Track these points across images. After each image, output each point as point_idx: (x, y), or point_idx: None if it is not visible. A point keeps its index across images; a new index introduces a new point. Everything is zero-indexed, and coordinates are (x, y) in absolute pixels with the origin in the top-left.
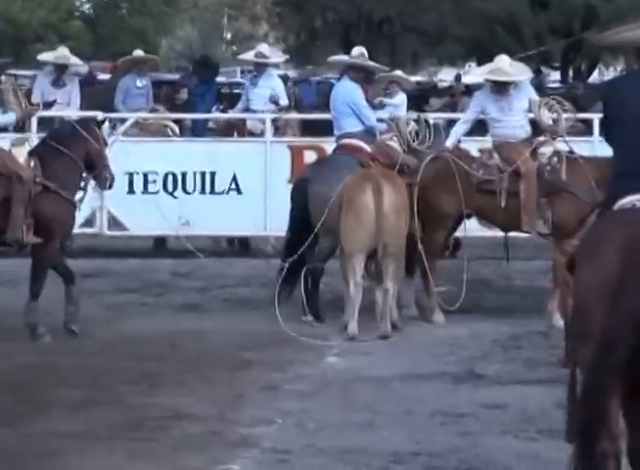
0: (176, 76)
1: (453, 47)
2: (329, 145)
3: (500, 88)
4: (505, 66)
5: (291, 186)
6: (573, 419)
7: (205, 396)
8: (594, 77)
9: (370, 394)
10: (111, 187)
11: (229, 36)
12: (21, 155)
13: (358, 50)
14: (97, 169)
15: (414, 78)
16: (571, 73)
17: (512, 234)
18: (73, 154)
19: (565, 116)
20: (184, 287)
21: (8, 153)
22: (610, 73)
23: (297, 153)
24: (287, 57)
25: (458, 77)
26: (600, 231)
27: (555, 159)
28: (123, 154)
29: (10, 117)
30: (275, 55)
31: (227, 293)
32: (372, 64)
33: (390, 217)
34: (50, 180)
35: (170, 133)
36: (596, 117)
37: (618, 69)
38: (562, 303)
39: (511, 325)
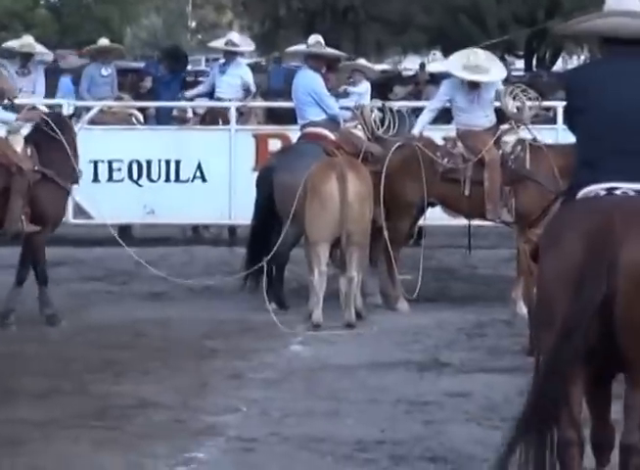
0: (141, 65)
1: (417, 36)
2: (293, 133)
3: (474, 85)
4: (480, 61)
5: (256, 174)
6: (531, 406)
7: (170, 384)
8: (558, 66)
9: (334, 382)
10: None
11: (194, 25)
12: (17, 142)
13: (314, 38)
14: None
15: (379, 67)
16: (534, 62)
17: (476, 223)
18: (67, 142)
19: (529, 104)
20: (149, 275)
21: (6, 142)
22: (573, 62)
23: (261, 141)
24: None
25: (422, 66)
26: (563, 220)
27: (519, 147)
28: (88, 142)
29: (8, 117)
30: (245, 43)
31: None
32: (329, 51)
33: (355, 206)
34: (46, 167)
35: (135, 121)
36: (560, 106)
37: (582, 57)
38: (526, 291)
39: (475, 313)
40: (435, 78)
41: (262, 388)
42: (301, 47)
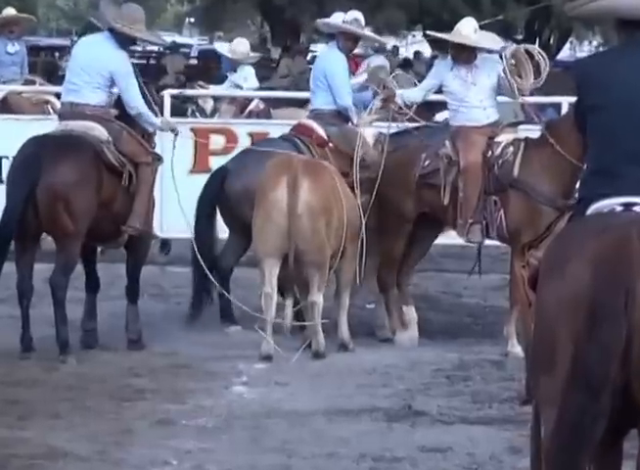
0: (57, 41)
1: (395, 14)
2: (239, 128)
3: (458, 54)
4: (467, 31)
5: (193, 178)
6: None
7: (86, 430)
8: (565, 53)
9: (285, 431)
10: None
11: None
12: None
13: (353, 15)
14: None
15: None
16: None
17: (461, 242)
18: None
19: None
20: None
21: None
22: (584, 49)
23: (201, 137)
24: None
25: (395, 50)
26: (570, 240)
27: (510, 148)
28: None
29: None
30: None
31: (113, 305)
32: (367, 34)
33: (305, 219)
34: None
35: (51, 111)
36: (566, 101)
37: (594, 43)
38: (523, 326)
39: (458, 352)
40: (409, 63)
41: (197, 437)
42: (337, 20)
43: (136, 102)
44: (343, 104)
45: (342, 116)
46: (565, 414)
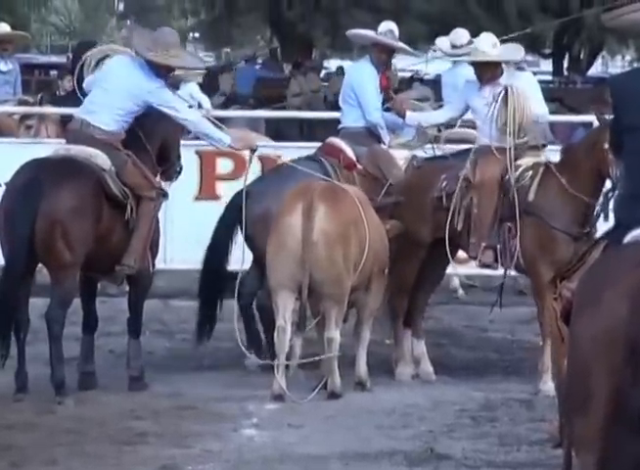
0: (52, 58)
1: (415, 26)
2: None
3: (483, 73)
4: (486, 47)
5: (198, 205)
6: None
7: None
8: (596, 69)
9: None
10: None
11: (122, 7)
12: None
13: (387, 26)
14: None
15: None
16: (566, 63)
17: (486, 272)
18: None
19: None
20: None
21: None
22: (616, 64)
23: (207, 161)
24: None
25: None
26: (606, 271)
27: (529, 173)
28: None
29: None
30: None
31: (114, 342)
32: (402, 45)
33: (320, 248)
34: None
35: (44, 134)
36: (596, 121)
37: (627, 58)
38: (555, 362)
39: (483, 391)
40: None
41: None
42: (369, 32)
43: (198, 127)
44: (372, 120)
45: (373, 135)
46: (610, 462)
